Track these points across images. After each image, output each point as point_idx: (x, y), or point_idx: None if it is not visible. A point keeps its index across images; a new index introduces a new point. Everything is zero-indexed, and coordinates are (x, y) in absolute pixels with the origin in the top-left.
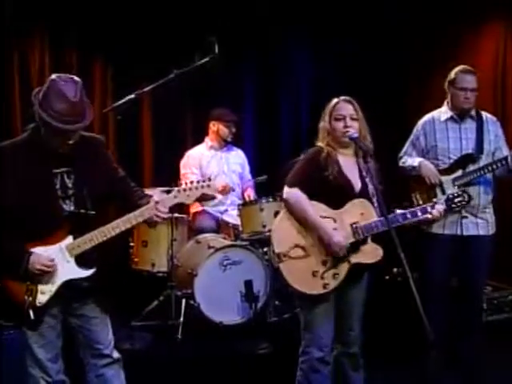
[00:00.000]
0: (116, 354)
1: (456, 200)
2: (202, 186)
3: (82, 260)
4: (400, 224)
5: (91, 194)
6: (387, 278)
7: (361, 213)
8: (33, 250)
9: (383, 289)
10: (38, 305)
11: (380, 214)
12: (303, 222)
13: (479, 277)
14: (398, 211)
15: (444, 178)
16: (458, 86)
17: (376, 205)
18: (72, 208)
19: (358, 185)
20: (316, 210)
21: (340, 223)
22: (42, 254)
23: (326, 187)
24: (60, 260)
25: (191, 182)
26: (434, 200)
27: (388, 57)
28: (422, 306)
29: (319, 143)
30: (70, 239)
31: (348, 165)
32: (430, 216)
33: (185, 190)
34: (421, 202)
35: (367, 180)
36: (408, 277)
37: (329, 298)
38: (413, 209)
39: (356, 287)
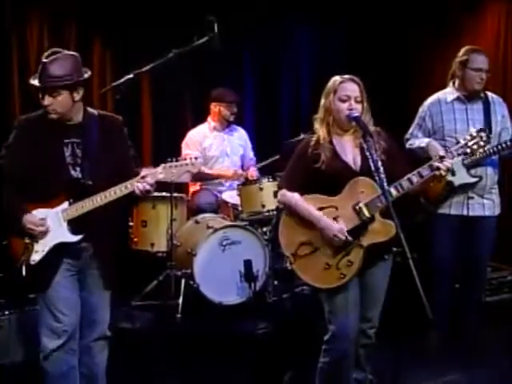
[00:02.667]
0: (108, 333)
1: (471, 143)
2: (187, 164)
3: (73, 225)
4: (407, 190)
5: (95, 167)
6: (386, 257)
7: (361, 191)
8: (34, 211)
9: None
10: (31, 263)
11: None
12: (302, 219)
13: (483, 257)
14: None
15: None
16: (473, 67)
17: (378, 180)
18: (79, 174)
19: (357, 163)
20: (315, 203)
21: (342, 209)
22: (35, 214)
23: (321, 178)
24: (55, 223)
25: (176, 160)
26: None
27: (390, 36)
28: (428, 287)
29: (318, 124)
30: (65, 205)
31: (346, 145)
32: (439, 171)
33: (170, 166)
34: (431, 184)
35: (369, 157)
36: (408, 257)
37: (348, 286)
38: (418, 170)
39: (378, 272)
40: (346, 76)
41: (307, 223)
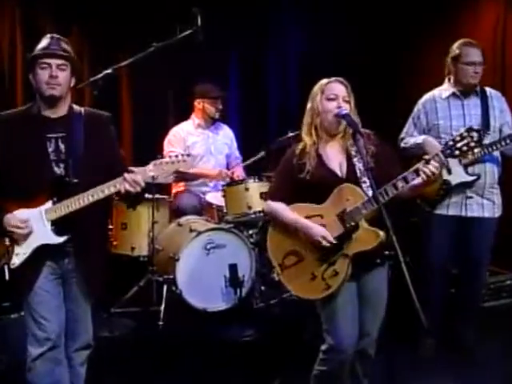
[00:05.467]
0: (91, 342)
1: (459, 145)
2: (178, 161)
3: (58, 226)
4: (394, 195)
5: (81, 162)
6: (378, 261)
7: (346, 199)
8: (16, 211)
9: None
10: (11, 266)
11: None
12: (287, 228)
13: (481, 260)
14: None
15: None
16: (466, 61)
17: (367, 185)
18: (63, 171)
19: (343, 170)
20: (300, 212)
21: (327, 217)
22: (15, 215)
23: (306, 188)
24: (38, 224)
25: (169, 157)
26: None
27: (382, 31)
28: (421, 289)
29: (305, 129)
30: (49, 204)
31: (332, 151)
32: (425, 175)
33: (161, 163)
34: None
35: (355, 161)
36: (401, 261)
37: (346, 296)
38: (403, 174)
39: (374, 279)
40: (333, 78)
41: (293, 232)
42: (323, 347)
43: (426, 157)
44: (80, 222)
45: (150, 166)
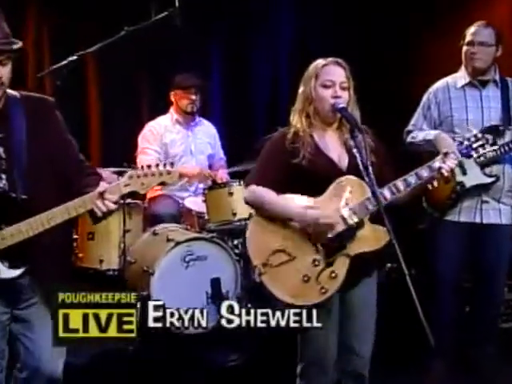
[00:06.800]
0: (59, 375)
1: (475, 145)
2: (161, 174)
3: (7, 256)
4: (404, 192)
5: (27, 170)
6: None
7: (349, 192)
8: None
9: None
10: None
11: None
12: (276, 218)
13: (498, 273)
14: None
15: None
16: (466, 40)
17: (369, 180)
18: (6, 185)
19: (343, 160)
20: (294, 203)
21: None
22: None
23: (300, 176)
24: None
25: (148, 167)
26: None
27: (382, 31)
28: (429, 305)
29: (295, 116)
30: None
31: (329, 140)
32: (441, 170)
33: (139, 176)
34: (436, 184)
35: (356, 154)
36: (405, 273)
37: (328, 304)
38: (416, 170)
39: (362, 290)
40: (330, 58)
41: (283, 226)
42: (299, 369)
43: (443, 150)
44: (38, 247)
45: (125, 180)
